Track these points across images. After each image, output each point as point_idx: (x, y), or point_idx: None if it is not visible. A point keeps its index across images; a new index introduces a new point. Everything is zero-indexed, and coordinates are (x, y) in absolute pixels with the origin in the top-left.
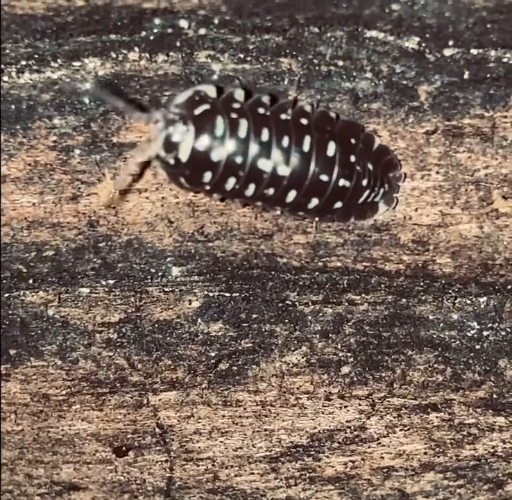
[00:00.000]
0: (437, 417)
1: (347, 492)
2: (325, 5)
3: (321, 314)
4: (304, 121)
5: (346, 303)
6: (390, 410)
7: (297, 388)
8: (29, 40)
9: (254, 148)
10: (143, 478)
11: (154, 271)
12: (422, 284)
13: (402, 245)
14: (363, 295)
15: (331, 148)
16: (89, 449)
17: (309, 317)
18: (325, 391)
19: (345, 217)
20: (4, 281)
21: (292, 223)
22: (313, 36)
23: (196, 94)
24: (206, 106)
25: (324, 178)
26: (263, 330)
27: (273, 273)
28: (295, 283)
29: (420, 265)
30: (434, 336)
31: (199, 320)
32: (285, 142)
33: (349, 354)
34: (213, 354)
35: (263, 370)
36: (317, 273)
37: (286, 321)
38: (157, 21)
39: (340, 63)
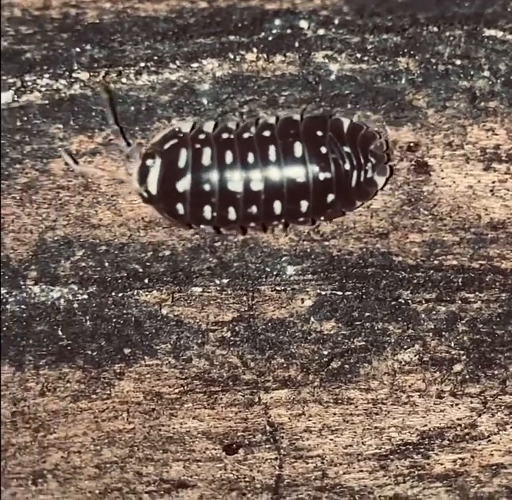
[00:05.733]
0: None
1: (454, 489)
2: (447, 5)
3: (434, 312)
4: (266, 133)
5: (460, 301)
6: (502, 407)
7: (409, 386)
8: (149, 42)
9: (219, 173)
10: (252, 475)
11: (269, 270)
12: None
13: None
14: (477, 293)
15: (299, 149)
16: (199, 447)
17: (423, 315)
18: (436, 389)
19: (348, 204)
20: (119, 281)
21: (408, 222)
22: (431, 35)
23: (171, 131)
24: (174, 140)
25: (300, 179)
26: (376, 328)
27: (388, 271)
28: (409, 281)
29: None
30: None
31: (312, 319)
32: (250, 158)
33: (462, 352)
34: (325, 352)
35: (376, 368)
36: (432, 271)
37: (399, 319)
38: (277, 22)
39: (458, 62)
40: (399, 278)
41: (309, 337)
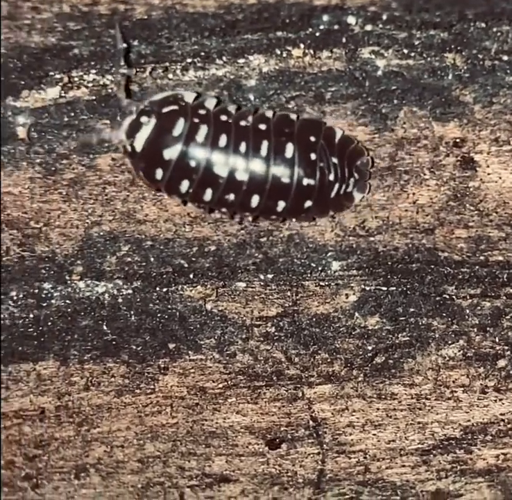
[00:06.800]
0: None
1: (496, 484)
2: (496, 1)
3: (479, 307)
4: (262, 126)
5: (504, 297)
6: None
7: (453, 381)
8: (196, 38)
9: (209, 154)
10: (294, 470)
11: (314, 265)
12: None
13: None
14: None
15: (290, 150)
16: (242, 442)
17: (467, 311)
18: (480, 384)
19: (322, 212)
20: (164, 276)
21: (454, 218)
22: (478, 31)
23: (173, 96)
24: (174, 107)
25: (285, 179)
26: (420, 323)
27: (433, 267)
28: (454, 277)
29: None
30: None
31: (356, 314)
32: (242, 147)
33: (506, 347)
34: (369, 348)
35: (420, 363)
36: (477, 267)
37: (444, 314)
38: (325, 17)
39: (505, 58)
40: (444, 273)
41: (353, 333)
